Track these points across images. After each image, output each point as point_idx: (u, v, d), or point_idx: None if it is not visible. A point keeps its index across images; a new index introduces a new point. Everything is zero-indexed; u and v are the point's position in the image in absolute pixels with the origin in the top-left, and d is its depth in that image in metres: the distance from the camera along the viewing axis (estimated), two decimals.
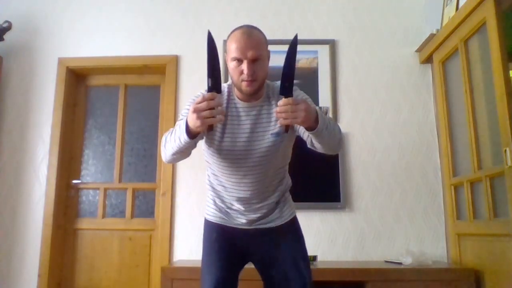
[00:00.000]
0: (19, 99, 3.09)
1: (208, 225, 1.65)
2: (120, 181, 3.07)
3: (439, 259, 2.70)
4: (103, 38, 3.15)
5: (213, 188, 1.65)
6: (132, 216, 3.03)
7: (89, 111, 3.21)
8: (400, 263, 2.45)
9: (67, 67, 3.11)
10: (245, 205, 1.58)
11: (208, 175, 1.66)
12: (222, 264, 1.56)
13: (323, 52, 3.02)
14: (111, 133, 3.15)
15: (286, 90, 1.36)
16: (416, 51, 3.00)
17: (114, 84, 3.22)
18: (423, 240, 2.75)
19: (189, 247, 2.81)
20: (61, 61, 3.12)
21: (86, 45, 3.14)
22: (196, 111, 1.27)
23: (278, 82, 1.45)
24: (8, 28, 3.01)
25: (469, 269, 2.31)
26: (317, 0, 3.11)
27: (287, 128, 1.40)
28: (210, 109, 1.26)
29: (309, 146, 1.50)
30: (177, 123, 1.49)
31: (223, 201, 1.63)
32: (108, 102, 3.21)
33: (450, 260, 2.66)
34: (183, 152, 1.44)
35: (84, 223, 3.03)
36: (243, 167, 1.53)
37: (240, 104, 1.53)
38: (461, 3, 2.46)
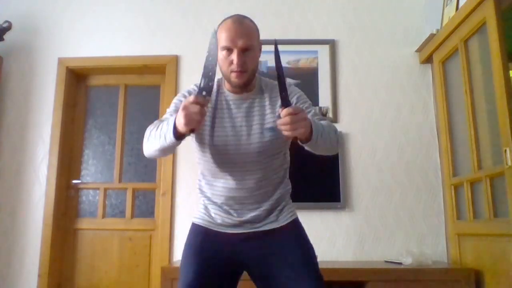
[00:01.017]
0: (19, 99, 3.09)
1: (195, 228, 1.51)
2: (120, 181, 3.07)
3: (439, 259, 2.70)
4: (103, 38, 3.15)
5: (202, 191, 1.53)
6: (132, 216, 3.03)
7: (89, 111, 3.21)
8: (400, 263, 2.45)
9: (67, 67, 3.11)
10: (239, 205, 1.46)
11: (199, 179, 1.56)
12: (200, 269, 1.40)
13: (323, 52, 3.01)
14: (111, 133, 3.15)
15: (284, 100, 1.26)
16: (416, 51, 2.99)
17: (114, 84, 3.22)
18: (423, 240, 2.75)
19: None
20: (61, 61, 3.12)
21: (86, 45, 3.15)
22: (185, 110, 1.20)
23: (271, 80, 1.46)
24: (8, 28, 3.01)
25: (469, 269, 2.31)
26: (317, 0, 3.12)
27: (295, 139, 1.28)
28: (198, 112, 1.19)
29: (306, 148, 1.40)
30: (164, 116, 1.45)
31: (214, 202, 1.49)
32: (108, 102, 3.21)
33: (450, 260, 2.65)
34: (166, 150, 1.37)
35: (84, 223, 3.03)
36: (237, 163, 1.43)
37: (231, 96, 1.46)
38: (461, 3, 2.45)
